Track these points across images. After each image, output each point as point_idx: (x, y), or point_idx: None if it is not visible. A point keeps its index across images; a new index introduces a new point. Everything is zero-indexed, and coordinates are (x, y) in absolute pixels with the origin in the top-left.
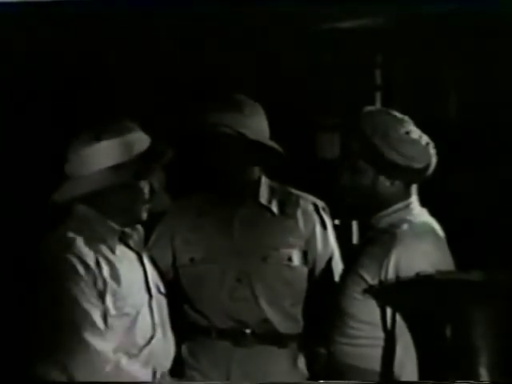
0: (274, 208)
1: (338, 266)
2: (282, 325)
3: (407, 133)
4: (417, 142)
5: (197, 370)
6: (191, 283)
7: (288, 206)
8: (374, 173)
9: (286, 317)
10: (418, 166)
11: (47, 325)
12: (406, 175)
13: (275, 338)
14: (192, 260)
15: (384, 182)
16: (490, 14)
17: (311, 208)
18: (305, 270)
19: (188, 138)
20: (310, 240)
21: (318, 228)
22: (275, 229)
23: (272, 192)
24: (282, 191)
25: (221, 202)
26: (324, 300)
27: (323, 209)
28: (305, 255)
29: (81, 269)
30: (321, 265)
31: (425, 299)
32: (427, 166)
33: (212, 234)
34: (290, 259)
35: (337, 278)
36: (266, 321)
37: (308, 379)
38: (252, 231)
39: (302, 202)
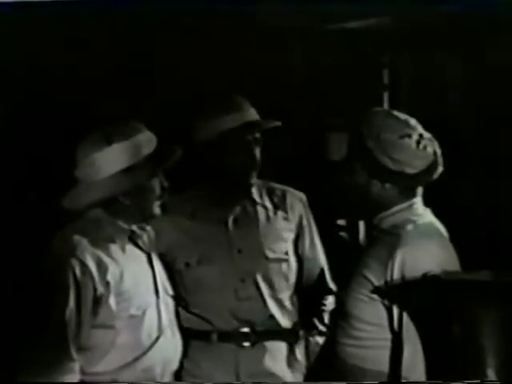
0: (268, 204)
1: (320, 253)
2: (282, 319)
3: (401, 137)
4: (409, 147)
5: (195, 376)
6: (189, 287)
7: (277, 200)
8: (367, 175)
9: (284, 310)
10: (410, 171)
11: (37, 329)
12: (400, 180)
13: (276, 333)
14: (187, 265)
15: (377, 184)
16: (500, 15)
17: (296, 201)
18: (296, 261)
19: (193, 141)
20: (299, 232)
21: (304, 220)
22: (271, 224)
23: (259, 188)
24: (267, 187)
25: (213, 202)
26: (313, 290)
27: (304, 200)
28: (295, 247)
29: (80, 276)
30: (308, 254)
31: (432, 300)
32: (423, 172)
33: (206, 236)
34: (286, 253)
35: (323, 263)
36: (272, 317)
37: (308, 373)
38: (249, 230)
39: (288, 195)
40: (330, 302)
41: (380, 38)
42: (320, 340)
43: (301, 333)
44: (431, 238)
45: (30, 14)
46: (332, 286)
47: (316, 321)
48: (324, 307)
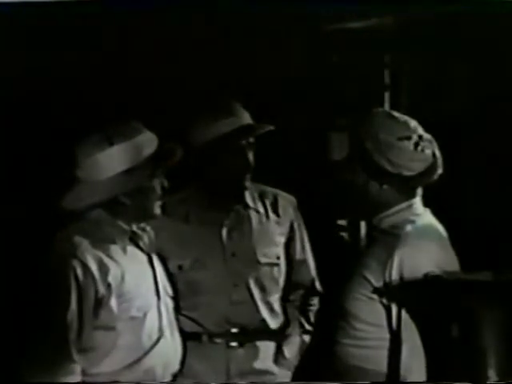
0: (260, 208)
1: (310, 255)
2: (272, 321)
3: (400, 139)
4: (407, 149)
5: (188, 376)
6: (182, 290)
7: (269, 204)
8: (366, 175)
9: (273, 312)
10: (408, 173)
11: (39, 331)
12: (398, 182)
13: (265, 334)
14: (180, 267)
15: (375, 185)
16: (500, 15)
17: (287, 204)
18: (286, 264)
19: (187, 144)
20: (290, 235)
21: (295, 223)
22: (264, 229)
23: (252, 192)
24: (258, 190)
25: (207, 205)
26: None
27: (295, 204)
28: (286, 251)
29: (81, 277)
30: (299, 257)
31: (433, 300)
32: (421, 174)
33: (200, 239)
34: (278, 258)
35: (310, 259)
36: (263, 321)
37: (309, 373)
38: (242, 234)
39: (279, 199)
40: (315, 302)
41: (381, 38)
42: (306, 338)
43: (288, 331)
44: (430, 239)
45: (30, 14)
46: (319, 287)
47: (303, 320)
48: (310, 307)
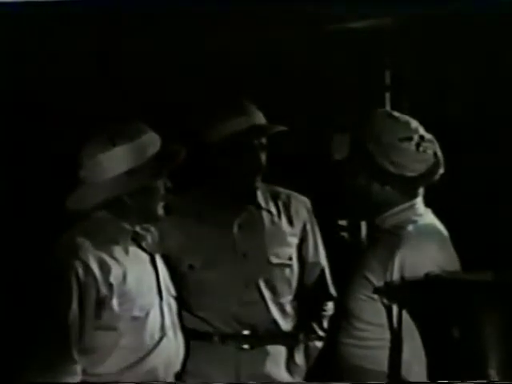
0: (273, 209)
1: (323, 257)
2: (284, 323)
3: (401, 140)
4: (408, 150)
5: (197, 376)
6: (192, 290)
7: (282, 205)
8: (367, 177)
9: (285, 315)
10: (410, 174)
11: (40, 331)
12: (400, 182)
13: (277, 337)
14: (192, 267)
15: (377, 186)
16: (500, 15)
17: (301, 205)
18: (298, 266)
19: (199, 143)
20: (303, 236)
21: (308, 224)
22: (276, 230)
23: (264, 192)
24: (271, 191)
25: (218, 205)
26: (314, 295)
27: (309, 205)
28: (299, 252)
29: (83, 277)
30: (311, 259)
31: (434, 300)
32: (423, 174)
33: (211, 239)
34: (290, 258)
35: (324, 262)
36: (274, 322)
37: (311, 373)
38: (254, 234)
39: (292, 200)
40: (329, 307)
41: (381, 38)
42: (319, 344)
43: (300, 337)
44: (431, 239)
45: (31, 13)
46: (333, 291)
47: (315, 325)
48: (324, 312)
